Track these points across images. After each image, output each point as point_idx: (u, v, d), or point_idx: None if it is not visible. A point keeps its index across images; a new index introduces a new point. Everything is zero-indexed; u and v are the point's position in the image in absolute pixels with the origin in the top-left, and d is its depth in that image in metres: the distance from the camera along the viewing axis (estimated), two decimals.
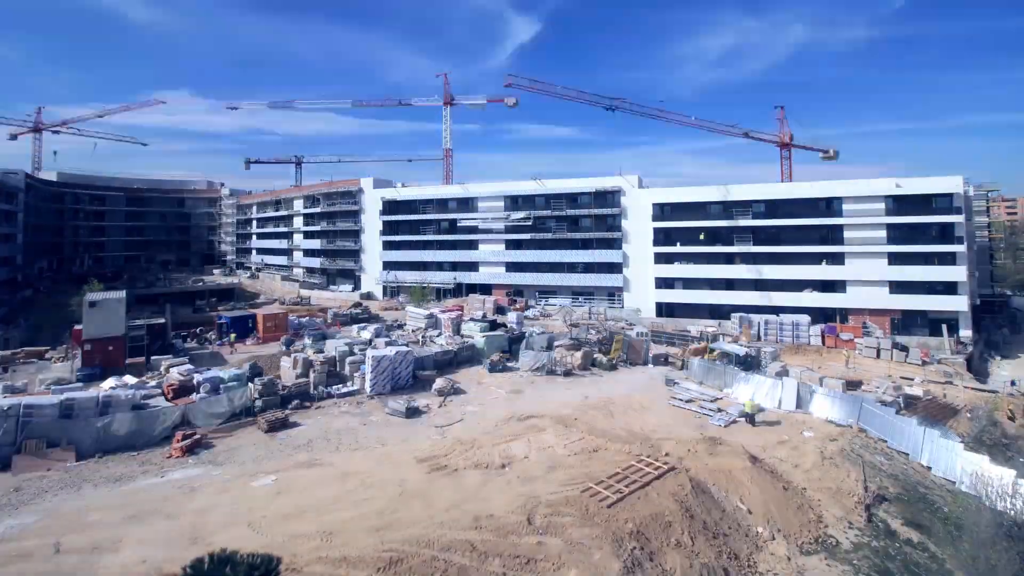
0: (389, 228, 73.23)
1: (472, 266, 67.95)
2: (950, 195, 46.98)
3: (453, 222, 69.84)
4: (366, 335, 41.22)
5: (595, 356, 37.68)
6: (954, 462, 22.70)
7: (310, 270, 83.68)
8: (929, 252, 47.24)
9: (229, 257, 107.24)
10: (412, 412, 26.69)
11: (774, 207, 53.92)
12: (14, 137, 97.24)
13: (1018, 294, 59.69)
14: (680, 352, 38.88)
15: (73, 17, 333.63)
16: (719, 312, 52.65)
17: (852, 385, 32.30)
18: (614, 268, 59.74)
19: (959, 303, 45.86)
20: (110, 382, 27.63)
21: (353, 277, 76.36)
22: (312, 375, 30.62)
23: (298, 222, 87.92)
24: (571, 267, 62.21)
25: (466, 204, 69.42)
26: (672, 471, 20.02)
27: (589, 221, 62.17)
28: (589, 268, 61.32)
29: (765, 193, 55.33)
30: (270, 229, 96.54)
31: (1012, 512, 16.01)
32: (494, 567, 14.31)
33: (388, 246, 73.11)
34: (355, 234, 76.02)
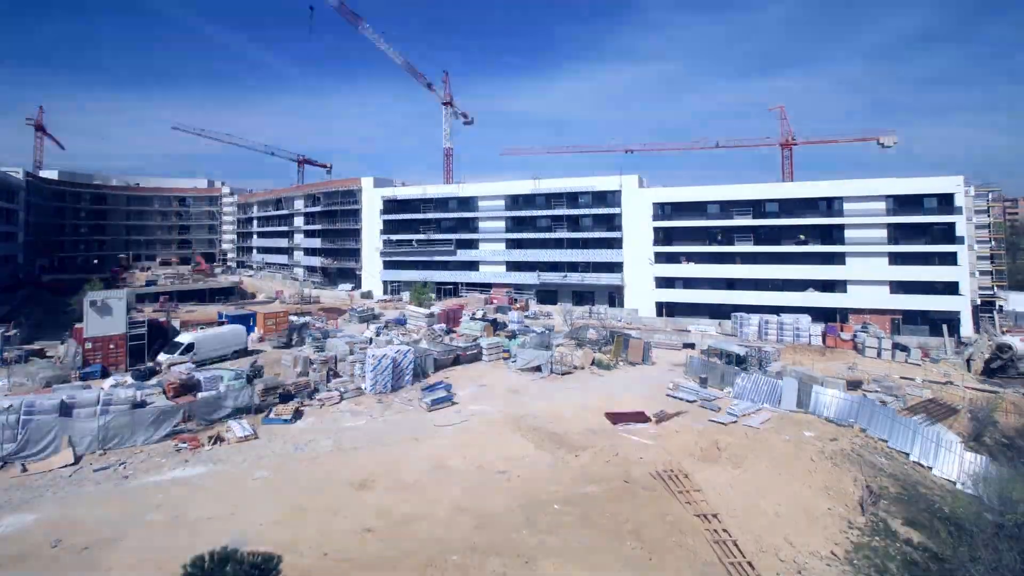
0: (389, 227, 73.22)
1: (472, 265, 67.96)
2: (951, 195, 46.98)
3: (453, 221, 69.82)
4: (367, 334, 41.25)
5: (595, 355, 37.70)
6: (954, 462, 22.71)
7: (311, 269, 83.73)
8: (930, 252, 47.26)
9: (230, 256, 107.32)
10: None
11: (775, 207, 53.94)
12: None
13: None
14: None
15: None
16: (719, 312, 52.61)
17: (852, 385, 32.27)
18: (614, 268, 59.72)
19: (960, 303, 45.86)
20: (111, 381, 27.68)
21: (354, 276, 76.38)
22: (312, 374, 30.68)
23: (299, 221, 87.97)
24: (571, 266, 62.20)
25: (466, 203, 69.42)
26: (673, 470, 20.06)
27: (589, 221, 62.18)
28: (589, 267, 61.31)
29: (766, 193, 55.30)
30: (271, 228, 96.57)
31: (1012, 512, 16.00)
32: (494, 565, 14.33)
33: (388, 245, 73.10)
34: (355, 233, 76.04)
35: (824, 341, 44.60)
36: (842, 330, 45.60)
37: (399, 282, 70.48)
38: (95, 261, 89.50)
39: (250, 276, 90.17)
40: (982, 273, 50.67)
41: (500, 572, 14.14)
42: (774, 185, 58.33)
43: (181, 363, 31.97)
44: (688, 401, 29.12)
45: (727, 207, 55.38)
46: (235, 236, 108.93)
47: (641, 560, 15.29)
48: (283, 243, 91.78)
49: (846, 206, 50.68)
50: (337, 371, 32.18)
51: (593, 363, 36.58)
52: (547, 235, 63.98)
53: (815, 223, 51.75)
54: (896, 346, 41.66)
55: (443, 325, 45.28)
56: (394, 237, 72.71)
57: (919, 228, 47.96)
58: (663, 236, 57.74)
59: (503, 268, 66.03)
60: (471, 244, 68.42)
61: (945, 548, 15.66)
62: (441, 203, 71.28)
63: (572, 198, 63.25)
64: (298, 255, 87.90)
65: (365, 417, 26.24)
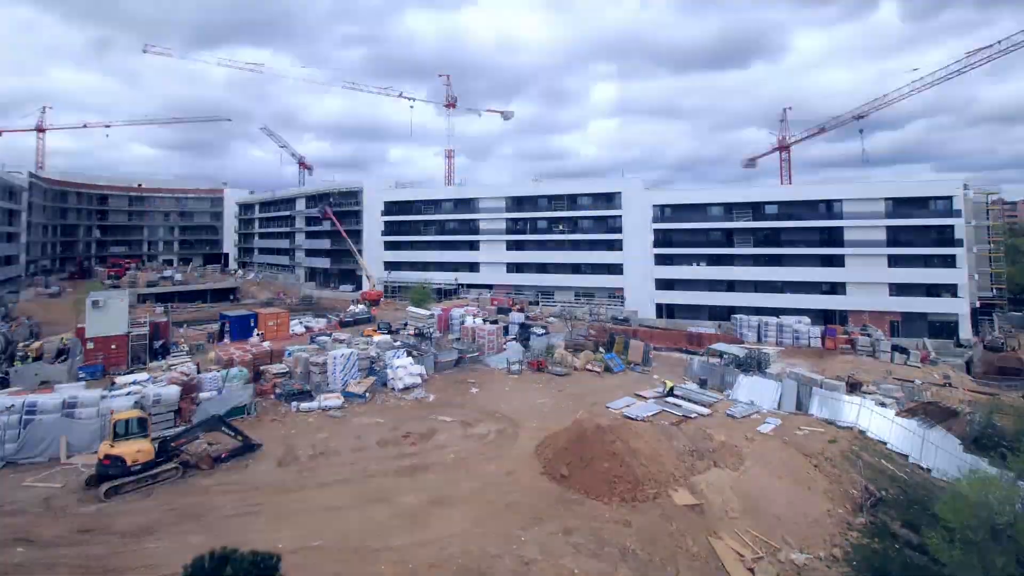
0: (390, 228, 73.43)
1: (473, 266, 68.15)
2: (950, 197, 47.07)
3: (454, 223, 70.01)
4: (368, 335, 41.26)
5: (594, 357, 37.76)
6: (953, 464, 22.76)
7: (312, 270, 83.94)
8: (929, 254, 47.33)
9: (231, 257, 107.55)
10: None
11: (774, 209, 54.06)
12: None
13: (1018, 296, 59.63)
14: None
15: None
16: (719, 313, 52.71)
17: (852, 386, 32.33)
18: (614, 269, 59.88)
19: (959, 305, 45.92)
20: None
21: (355, 277, 76.53)
22: (312, 375, 30.76)
23: (300, 222, 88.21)
24: (572, 268, 62.37)
25: (467, 205, 69.63)
26: (674, 472, 20.12)
27: (590, 222, 62.34)
28: (590, 269, 61.47)
29: (765, 195, 55.47)
30: (272, 229, 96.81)
31: (1010, 514, 16.01)
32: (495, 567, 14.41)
33: (389, 246, 73.32)
34: (357, 234, 76.24)
35: (823, 343, 44.64)
36: (841, 332, 45.66)
37: (400, 283, 70.63)
38: (97, 261, 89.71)
39: (252, 277, 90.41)
40: (981, 276, 50.78)
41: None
42: (774, 187, 58.60)
43: (183, 362, 32.07)
44: (688, 402, 29.12)
45: (727, 209, 55.51)
46: (237, 237, 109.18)
47: (641, 559, 15.36)
48: (284, 244, 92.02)
49: (845, 208, 50.78)
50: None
51: (593, 364, 36.64)
52: (548, 236, 64.16)
53: (815, 225, 51.85)
54: (895, 348, 41.76)
55: (440, 332, 45.25)
56: (395, 238, 72.92)
57: (918, 230, 48.03)
58: (663, 238, 57.85)
59: (504, 269, 66.19)
60: (472, 245, 68.60)
61: (944, 550, 15.68)
62: (442, 204, 71.48)
63: (573, 200, 63.43)
64: (299, 256, 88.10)
65: (372, 418, 26.30)
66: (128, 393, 25.27)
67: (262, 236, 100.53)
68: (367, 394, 28.78)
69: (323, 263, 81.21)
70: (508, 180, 68.95)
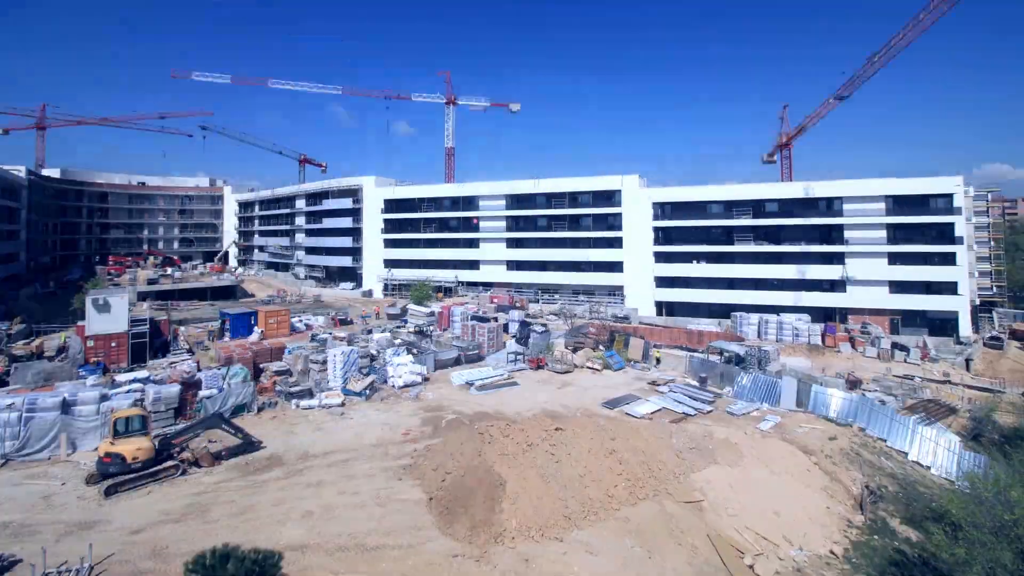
0: (390, 226, 73.41)
1: (473, 264, 68.07)
2: (950, 195, 47.01)
3: (454, 220, 69.96)
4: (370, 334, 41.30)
5: (594, 354, 37.79)
6: (952, 461, 22.83)
7: (312, 268, 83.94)
8: (929, 252, 47.29)
9: (232, 255, 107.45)
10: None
11: (775, 206, 53.99)
12: (6, 132, 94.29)
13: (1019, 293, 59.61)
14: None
15: None
16: (719, 311, 52.70)
17: (852, 384, 32.39)
18: (614, 267, 59.82)
19: (959, 303, 45.91)
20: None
21: (355, 275, 76.49)
22: (313, 372, 30.80)
23: (300, 220, 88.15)
24: (572, 266, 62.33)
25: (467, 203, 69.56)
26: (674, 471, 20.14)
27: (590, 220, 62.29)
28: (590, 267, 61.45)
29: (765, 193, 55.36)
30: (272, 227, 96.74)
31: (1010, 512, 16.03)
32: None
33: (389, 244, 73.26)
34: (357, 232, 76.19)
35: (823, 341, 44.71)
36: (841, 329, 45.68)
37: (400, 281, 70.59)
38: (97, 259, 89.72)
39: (252, 275, 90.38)
40: (981, 274, 50.79)
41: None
42: (774, 185, 58.40)
43: (183, 360, 32.10)
44: (688, 400, 29.16)
45: (727, 207, 55.46)
46: (237, 235, 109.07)
47: (641, 556, 15.38)
48: (285, 242, 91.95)
49: (846, 206, 50.71)
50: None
51: (593, 362, 36.67)
52: (547, 234, 64.13)
53: (815, 223, 51.80)
54: (895, 346, 41.80)
55: (438, 330, 45.27)
56: (395, 236, 72.91)
57: (918, 228, 47.98)
58: (663, 236, 57.79)
59: (504, 267, 66.16)
60: (472, 243, 68.57)
61: (943, 548, 15.71)
62: (442, 202, 71.43)
63: (572, 198, 63.36)
64: (299, 254, 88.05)
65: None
66: (128, 391, 25.35)
67: (262, 234, 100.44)
68: (367, 392, 28.81)
69: (323, 261, 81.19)
70: (509, 178, 68.16)
